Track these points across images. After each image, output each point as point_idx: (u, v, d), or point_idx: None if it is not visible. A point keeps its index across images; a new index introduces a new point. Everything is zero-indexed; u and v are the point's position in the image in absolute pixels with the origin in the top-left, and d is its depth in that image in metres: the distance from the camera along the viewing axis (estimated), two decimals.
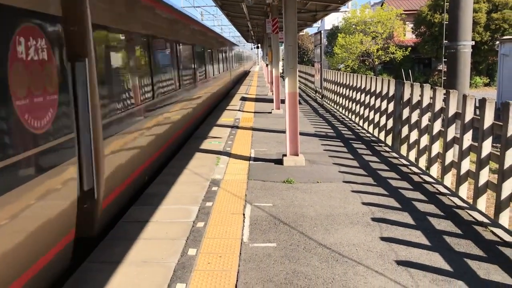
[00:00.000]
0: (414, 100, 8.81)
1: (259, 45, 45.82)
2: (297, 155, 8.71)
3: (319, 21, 31.09)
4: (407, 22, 42.54)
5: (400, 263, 4.58)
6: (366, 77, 13.18)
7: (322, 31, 19.92)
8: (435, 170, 7.89)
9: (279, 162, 8.78)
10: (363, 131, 12.52)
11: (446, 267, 4.49)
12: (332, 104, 18.53)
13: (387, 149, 10.09)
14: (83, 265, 4.55)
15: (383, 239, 5.18)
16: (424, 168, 8.20)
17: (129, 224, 5.67)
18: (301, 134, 11.26)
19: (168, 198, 6.62)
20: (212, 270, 4.48)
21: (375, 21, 40.55)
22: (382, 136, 10.98)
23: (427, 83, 17.37)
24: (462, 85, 10.13)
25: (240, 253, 4.84)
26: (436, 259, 4.66)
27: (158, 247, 4.99)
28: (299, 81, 30.60)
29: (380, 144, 10.58)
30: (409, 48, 40.24)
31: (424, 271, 4.40)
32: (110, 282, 4.22)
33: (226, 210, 6.14)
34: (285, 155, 8.79)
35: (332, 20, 52.94)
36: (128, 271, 4.45)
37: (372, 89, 11.98)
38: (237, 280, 4.27)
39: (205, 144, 10.61)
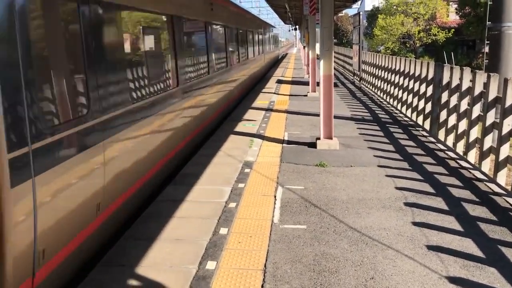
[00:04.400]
0: (453, 84, 8.57)
1: (297, 27, 45.36)
2: (331, 138, 8.67)
3: (359, 1, 30.43)
4: (450, 3, 41.01)
5: (430, 248, 4.54)
6: (405, 59, 12.88)
7: (361, 12, 19.51)
8: (472, 156, 7.70)
9: (312, 145, 8.77)
10: (401, 115, 12.30)
11: (479, 253, 4.43)
12: (370, 87, 18.22)
13: (424, 133, 9.89)
14: (120, 241, 4.76)
15: (415, 223, 5.15)
16: (461, 154, 8.01)
17: (164, 202, 5.85)
18: (337, 117, 11.20)
19: (202, 179, 6.77)
20: (242, 249, 4.59)
21: (417, 2, 39.33)
22: (420, 120, 10.75)
23: (470, 66, 16.84)
24: (505, 68, 9.76)
25: (270, 234, 4.93)
26: (468, 245, 4.60)
27: (191, 225, 5.14)
28: (337, 63, 30.26)
29: (417, 129, 10.38)
30: (452, 30, 38.90)
31: (455, 256, 4.36)
32: (145, 257, 4.40)
33: (257, 192, 6.23)
34: (318, 138, 8.77)
35: (372, 1, 51.69)
36: (162, 247, 4.61)
37: (411, 72, 11.71)
38: (266, 260, 4.36)
39: (240, 127, 10.71)
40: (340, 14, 48.62)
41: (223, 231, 5.00)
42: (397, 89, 13.43)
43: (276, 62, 39.73)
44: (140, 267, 4.22)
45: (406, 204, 5.74)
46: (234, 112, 12.95)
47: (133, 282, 4.01)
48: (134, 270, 4.17)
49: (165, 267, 4.24)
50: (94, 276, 4.07)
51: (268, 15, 72.73)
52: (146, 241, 4.73)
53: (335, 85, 19.90)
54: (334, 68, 30.42)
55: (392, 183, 6.57)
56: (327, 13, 8.27)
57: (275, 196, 6.08)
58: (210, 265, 4.26)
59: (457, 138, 8.24)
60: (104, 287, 3.92)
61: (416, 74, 11.17)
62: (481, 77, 7.65)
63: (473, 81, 7.73)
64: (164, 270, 4.18)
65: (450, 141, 8.71)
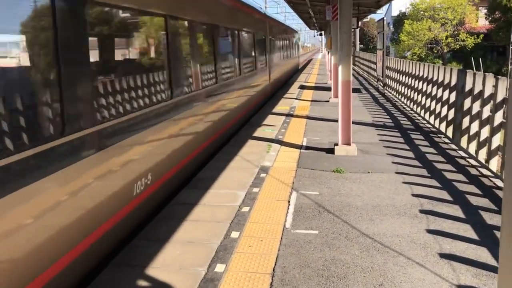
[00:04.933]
0: (476, 90, 8.41)
1: (322, 32, 45.25)
2: (349, 144, 8.62)
3: (384, 7, 30.15)
4: (480, 8, 40.22)
5: (443, 256, 4.47)
6: (428, 65, 12.70)
7: (384, 18, 19.31)
8: (494, 164, 7.52)
9: (330, 151, 8.73)
10: (424, 121, 12.12)
11: (493, 262, 4.33)
12: (394, 93, 18.01)
13: (446, 140, 9.72)
14: (133, 242, 4.84)
15: (429, 231, 5.06)
16: (483, 161, 7.84)
17: (178, 205, 5.93)
18: (358, 123, 11.14)
19: (217, 183, 6.82)
20: (252, 253, 4.60)
21: (444, 7, 38.73)
22: (442, 127, 10.57)
23: (499, 72, 16.42)
24: None
25: (281, 239, 4.93)
26: (482, 254, 4.50)
27: (203, 228, 5.19)
28: (362, 69, 29.99)
29: (439, 135, 10.21)
30: (482, 35, 38.09)
31: (468, 265, 4.27)
32: (156, 258, 4.47)
33: (271, 196, 6.24)
34: (336, 144, 8.73)
35: (399, 6, 51.17)
36: (174, 249, 4.67)
37: (434, 78, 11.54)
38: (275, 264, 4.37)
39: (258, 132, 10.74)
40: (365, 20, 48.28)
41: (234, 234, 5.02)
42: (420, 95, 13.25)
43: (294, 73, 31.55)
44: (151, 268, 4.29)
45: (422, 211, 5.65)
46: (253, 118, 13.00)
47: (143, 282, 4.08)
48: (144, 271, 4.23)
49: (175, 268, 4.29)
50: (105, 276, 4.15)
51: (294, 20, 72.77)
52: (158, 242, 4.80)
53: (358, 90, 19.82)
54: (359, 74, 30.30)
55: (409, 190, 6.48)
56: (346, 19, 8.25)
57: (289, 201, 6.08)
58: (219, 267, 4.30)
59: (479, 146, 8.07)
60: (114, 287, 3.99)
61: (439, 80, 11.00)
62: (504, 83, 7.49)
63: (495, 87, 7.57)
64: (173, 272, 4.23)
65: (472, 148, 8.53)
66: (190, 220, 5.42)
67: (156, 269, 4.27)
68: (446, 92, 10.37)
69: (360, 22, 34.16)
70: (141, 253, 4.58)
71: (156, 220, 5.44)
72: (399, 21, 47.43)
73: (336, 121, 9.94)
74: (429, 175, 7.18)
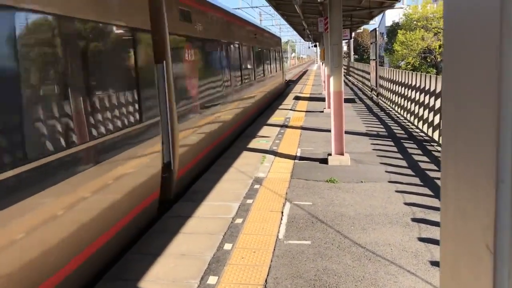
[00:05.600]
0: None
1: (317, 44, 45.58)
2: (343, 154, 8.68)
3: (378, 17, 30.42)
4: None
5: (434, 263, 4.50)
6: (420, 74, 12.82)
7: (377, 29, 19.50)
8: None
9: (324, 161, 8.78)
10: (417, 130, 12.20)
11: None
12: (387, 103, 18.14)
13: (439, 148, 9.79)
14: (126, 256, 4.86)
15: (421, 239, 5.10)
16: None
17: (173, 219, 5.95)
18: (351, 133, 11.21)
19: (211, 195, 6.85)
20: (245, 264, 4.62)
21: (437, 17, 39.10)
22: (435, 135, 10.65)
23: None
24: None
25: (274, 249, 4.96)
26: None
27: (197, 241, 5.21)
28: (356, 79, 30.13)
29: (432, 144, 10.29)
30: None
31: None
32: (149, 272, 4.48)
33: (265, 208, 6.28)
34: (330, 154, 8.78)
35: (392, 16, 51.66)
36: (167, 262, 4.69)
37: (426, 87, 11.65)
38: (267, 275, 4.39)
39: (253, 143, 10.80)
40: (359, 30, 48.70)
41: (227, 246, 5.05)
42: (413, 104, 13.36)
43: (279, 94, 23.90)
44: (143, 282, 4.30)
45: (414, 219, 5.70)
46: (248, 129, 13.06)
47: None
48: (137, 285, 4.25)
49: (167, 281, 4.30)
50: None
51: (288, 32, 73.30)
52: (151, 256, 4.82)
53: (353, 100, 19.94)
54: (354, 84, 30.51)
55: (402, 198, 6.53)
56: (336, 30, 8.35)
57: (282, 212, 6.11)
58: (212, 280, 4.31)
59: None
60: None
61: (431, 89, 11.11)
62: None
63: None
64: (166, 285, 4.25)
65: None
66: (183, 233, 5.45)
67: (149, 283, 4.28)
68: (438, 100, 10.47)
69: (354, 33, 34.48)
70: (134, 266, 4.60)
71: (149, 234, 5.46)
72: (392, 31, 47.86)
73: (330, 131, 10.01)
74: (421, 183, 7.23)
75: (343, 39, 22.27)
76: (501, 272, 0.69)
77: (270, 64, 20.12)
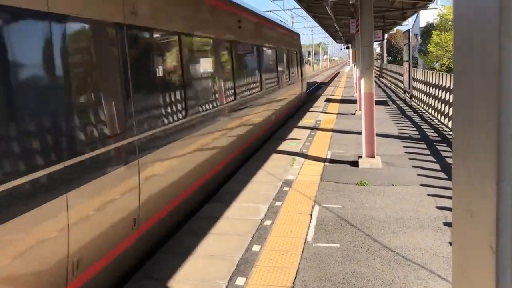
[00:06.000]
0: None
1: (349, 45, 45.19)
2: (374, 157, 8.58)
3: (412, 18, 29.93)
4: None
5: None
6: (454, 76, 12.53)
7: (410, 30, 19.18)
8: None
9: (354, 164, 8.70)
10: (451, 132, 11.93)
11: None
12: (421, 105, 17.80)
13: None
14: (156, 255, 4.95)
15: None
16: None
17: (202, 220, 6.03)
18: (383, 135, 11.07)
19: (240, 196, 6.90)
20: (273, 266, 4.64)
21: None
22: None
23: None
24: None
25: (302, 252, 4.95)
26: None
27: (226, 242, 5.26)
28: (389, 81, 29.64)
29: None
30: None
31: None
32: (178, 271, 4.56)
33: (294, 210, 6.27)
34: (361, 157, 8.70)
35: (427, 17, 50.69)
36: (196, 263, 4.76)
37: None
38: (295, 277, 4.39)
39: (283, 146, 10.80)
40: (392, 32, 47.97)
41: (256, 248, 5.07)
42: (447, 106, 13.07)
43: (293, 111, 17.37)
44: (173, 281, 4.38)
45: (446, 223, 5.58)
46: (279, 131, 13.06)
47: None
48: (166, 284, 4.32)
49: (196, 282, 4.36)
50: None
51: (320, 34, 72.97)
52: (180, 256, 4.89)
53: (385, 103, 19.65)
54: (386, 86, 30.06)
55: (434, 202, 6.40)
56: (367, 32, 8.28)
57: (311, 215, 6.09)
58: (240, 281, 4.35)
59: None
60: None
61: None
62: None
63: None
64: (195, 285, 4.31)
65: None
66: (212, 234, 5.51)
67: (179, 282, 4.35)
68: None
69: (386, 34, 34.02)
70: (163, 266, 4.68)
71: (179, 234, 5.54)
72: (427, 32, 46.99)
73: (361, 133, 9.91)
74: None
75: (375, 41, 22.05)
76: (503, 272, 0.69)
77: (282, 70, 14.37)
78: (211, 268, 4.62)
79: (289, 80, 15.93)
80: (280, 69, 13.92)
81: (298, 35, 19.62)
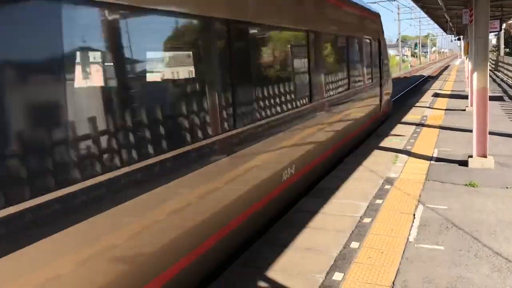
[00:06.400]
0: None
1: (461, 37, 42.24)
2: (485, 156, 7.97)
3: None
4: None
5: None
6: None
7: None
8: None
9: (463, 163, 8.16)
10: None
11: None
12: None
13: None
14: (255, 245, 5.10)
15: None
16: None
17: (299, 213, 6.07)
18: (498, 134, 10.27)
19: (339, 192, 6.83)
20: (372, 264, 4.55)
21: None
22: None
23: None
24: None
25: (403, 252, 4.79)
26: None
27: (323, 236, 5.26)
28: (507, 75, 27.21)
29: None
30: None
31: None
32: (276, 262, 4.65)
33: (395, 209, 6.07)
34: (471, 156, 8.13)
35: None
36: (293, 255, 4.82)
37: None
38: (395, 277, 4.26)
39: (385, 142, 10.45)
40: (510, 22, 43.84)
41: (354, 244, 5.00)
42: None
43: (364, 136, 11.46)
44: (272, 271, 4.48)
45: None
46: (380, 127, 12.66)
47: (263, 284, 4.28)
48: (265, 273, 4.44)
49: (293, 273, 4.43)
50: (228, 274, 4.45)
51: (429, 25, 69.06)
52: (278, 247, 4.99)
53: (501, 98, 18.10)
54: (503, 80, 27.64)
55: None
56: (482, 22, 7.68)
57: (414, 215, 5.85)
58: (337, 276, 4.33)
59: None
60: (236, 285, 4.26)
61: None
62: None
63: None
64: (292, 276, 4.37)
65: None
66: (310, 228, 5.53)
67: (277, 272, 4.45)
68: None
69: (504, 24, 31.21)
70: (262, 256, 4.81)
71: (277, 226, 5.64)
72: None
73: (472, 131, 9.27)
74: None
75: (491, 31, 20.38)
76: None
77: (353, 72, 10.04)
78: (308, 261, 4.65)
79: (367, 83, 11.40)
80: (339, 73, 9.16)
81: (377, 15, 13.36)
